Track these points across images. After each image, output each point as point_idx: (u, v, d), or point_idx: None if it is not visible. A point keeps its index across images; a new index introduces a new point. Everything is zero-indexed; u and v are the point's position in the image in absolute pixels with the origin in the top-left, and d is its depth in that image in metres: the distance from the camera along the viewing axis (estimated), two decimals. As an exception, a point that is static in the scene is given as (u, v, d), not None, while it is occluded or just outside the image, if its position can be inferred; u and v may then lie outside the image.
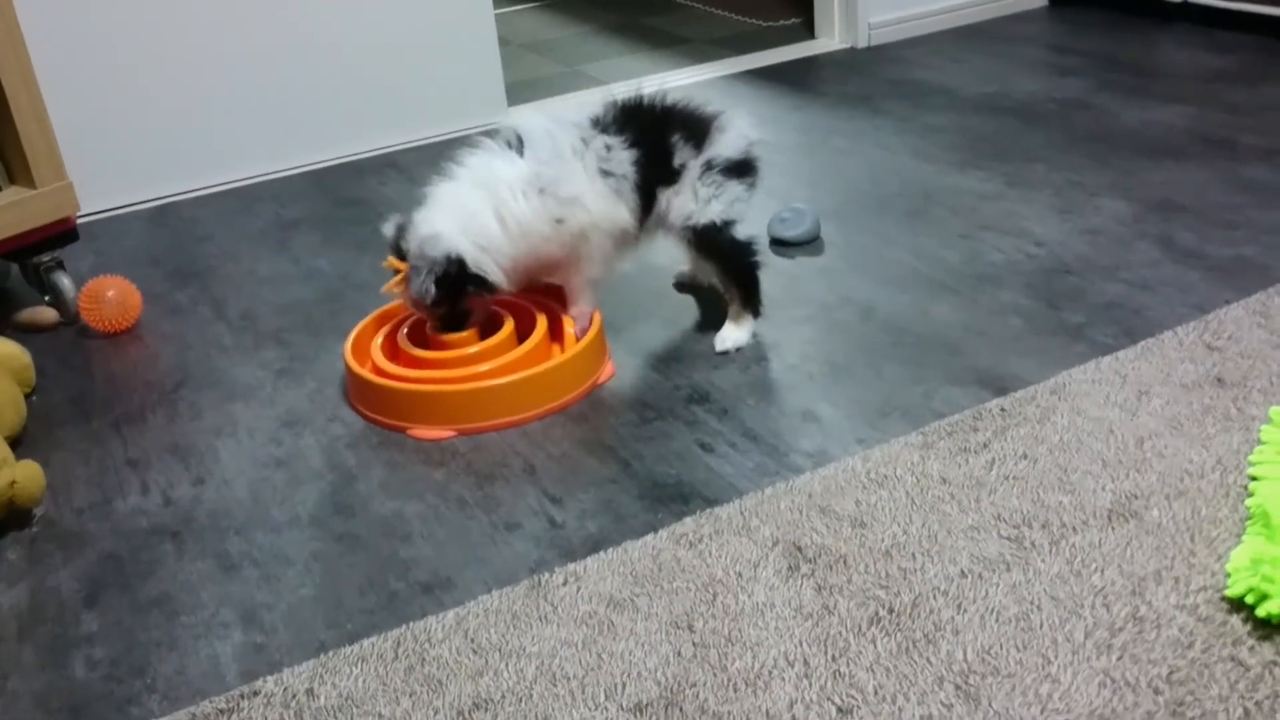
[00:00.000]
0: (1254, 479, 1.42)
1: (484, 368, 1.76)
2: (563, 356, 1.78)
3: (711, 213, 1.80)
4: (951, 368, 1.77)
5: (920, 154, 2.63)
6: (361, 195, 2.70)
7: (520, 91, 3.30)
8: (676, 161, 1.79)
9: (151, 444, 1.77)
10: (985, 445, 1.56)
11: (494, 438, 1.71)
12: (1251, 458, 1.46)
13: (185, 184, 2.80)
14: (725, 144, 1.82)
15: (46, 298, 2.19)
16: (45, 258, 2.16)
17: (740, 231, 1.84)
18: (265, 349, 2.03)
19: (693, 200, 1.80)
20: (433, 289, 1.71)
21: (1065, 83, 3.01)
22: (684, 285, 2.11)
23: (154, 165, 2.75)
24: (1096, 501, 1.43)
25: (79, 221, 2.25)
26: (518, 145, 1.77)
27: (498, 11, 3.09)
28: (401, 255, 1.76)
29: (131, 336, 2.12)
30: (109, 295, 2.10)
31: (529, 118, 1.81)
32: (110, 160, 2.69)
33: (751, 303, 1.89)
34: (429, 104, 2.99)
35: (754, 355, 1.87)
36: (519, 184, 1.73)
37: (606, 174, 1.75)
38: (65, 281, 2.17)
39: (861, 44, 3.48)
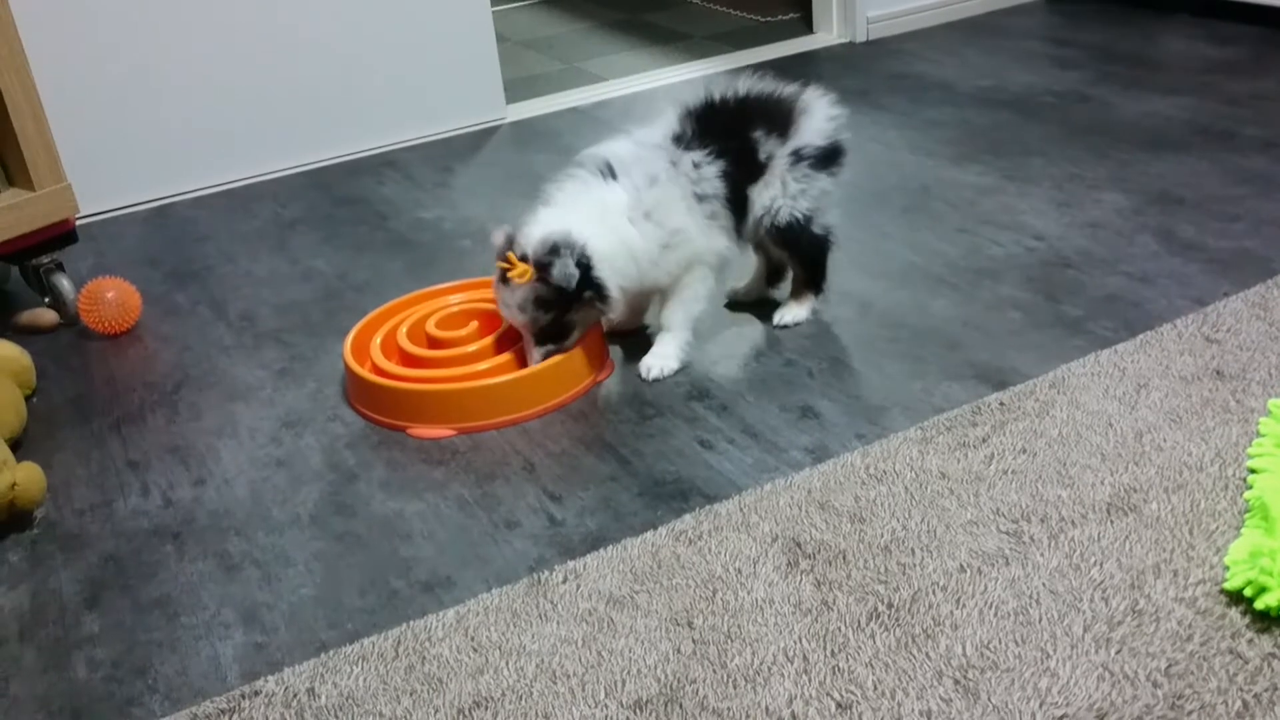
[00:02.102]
0: (1253, 471, 1.42)
1: (483, 366, 1.76)
2: (562, 355, 1.78)
3: (798, 208, 1.80)
4: (950, 362, 1.77)
5: (918, 148, 2.63)
6: (360, 194, 2.70)
7: (518, 89, 3.30)
8: (762, 155, 1.77)
9: (152, 445, 1.78)
10: (984, 440, 1.56)
11: (493, 436, 1.72)
12: (1250, 450, 1.46)
13: (183, 185, 2.80)
14: (812, 130, 1.80)
15: (46, 299, 2.19)
16: (45, 259, 2.16)
17: (820, 223, 1.84)
18: (265, 349, 2.03)
19: (781, 193, 1.79)
20: (577, 272, 1.66)
21: (1064, 75, 3.01)
22: (738, 303, 2.02)
23: (152, 166, 2.75)
24: (1095, 495, 1.43)
25: (78, 223, 2.25)
26: (609, 172, 1.74)
27: (495, 9, 3.09)
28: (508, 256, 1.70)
29: (131, 338, 2.12)
30: (108, 296, 2.10)
31: (613, 144, 1.78)
32: (109, 162, 2.69)
33: (816, 283, 1.91)
34: (426, 102, 2.99)
35: (752, 351, 1.87)
36: (624, 210, 1.71)
37: (701, 198, 1.74)
38: (65, 283, 2.18)
39: (860, 38, 3.48)
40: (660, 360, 1.81)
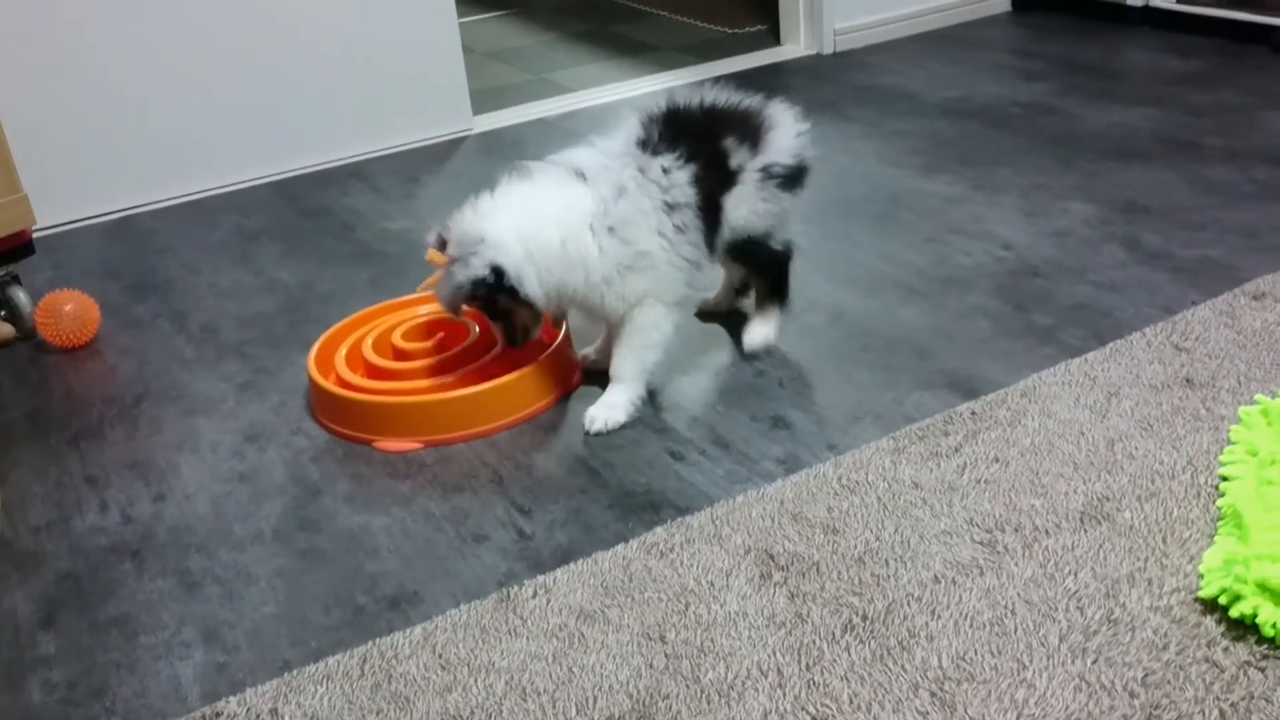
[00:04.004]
0: (1225, 479, 1.42)
1: (450, 378, 1.74)
2: (529, 366, 1.75)
3: (758, 227, 1.74)
4: (921, 371, 1.76)
5: (886, 159, 2.63)
6: (324, 205, 2.67)
7: (485, 100, 3.28)
8: (733, 164, 1.70)
9: (110, 460, 1.74)
10: (956, 449, 1.55)
11: (461, 449, 1.69)
12: (1222, 458, 1.46)
13: (144, 196, 2.76)
14: (781, 147, 1.73)
15: (2, 313, 2.15)
16: (1, 272, 2.12)
17: (778, 239, 1.78)
18: (227, 362, 2.00)
19: (748, 209, 1.72)
20: (467, 287, 1.61)
21: (1029, 87, 3.02)
22: (709, 317, 2.00)
23: (112, 177, 2.70)
24: (1068, 504, 1.42)
25: (36, 235, 2.21)
26: (582, 178, 1.66)
27: (462, 20, 3.07)
28: (444, 250, 1.65)
29: (90, 351, 2.08)
30: (66, 309, 2.06)
31: (581, 152, 1.70)
32: (67, 172, 2.65)
33: (780, 294, 1.85)
34: (393, 113, 2.97)
35: (723, 361, 1.86)
36: (588, 218, 1.63)
37: (671, 208, 1.65)
38: (22, 296, 2.13)
39: (827, 50, 3.49)
40: (606, 411, 1.70)
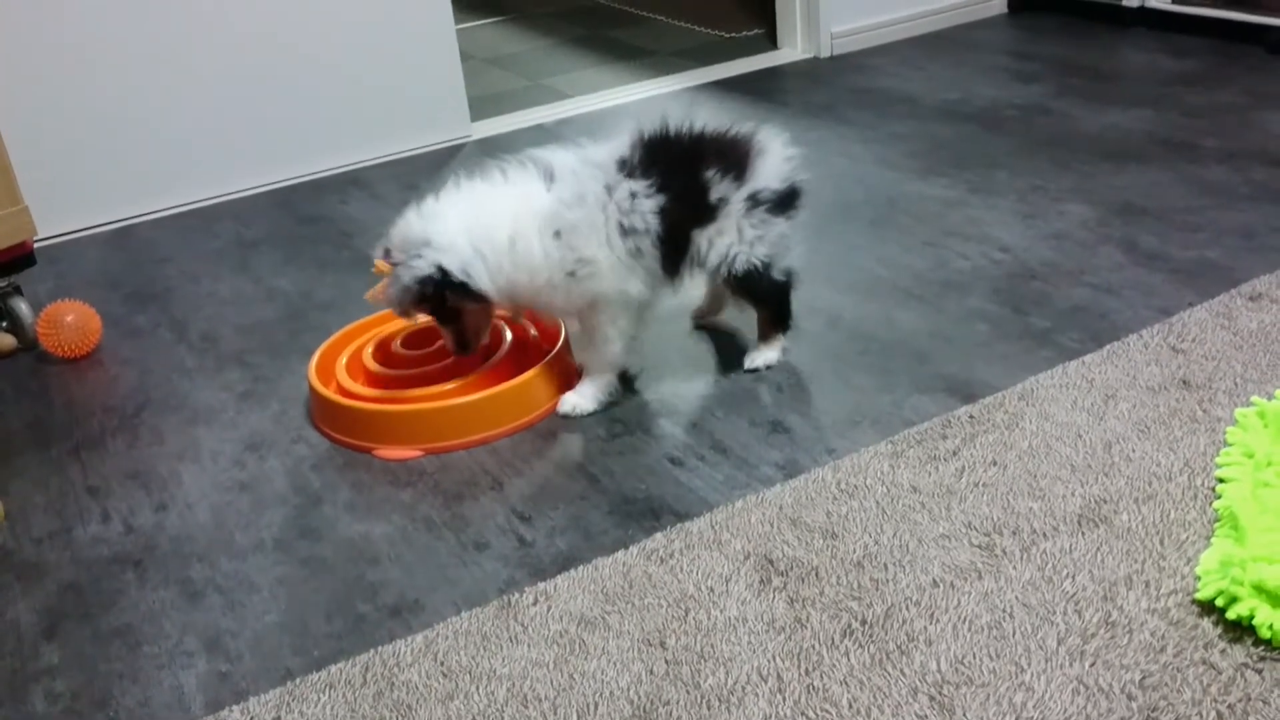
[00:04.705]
0: (1221, 481, 1.42)
1: (450, 386, 1.74)
2: (529, 373, 1.76)
3: (756, 255, 1.71)
4: (919, 375, 1.77)
5: (884, 162, 2.64)
6: (323, 213, 2.68)
7: (484, 106, 3.28)
8: (714, 196, 1.67)
9: (112, 470, 1.74)
10: (954, 453, 1.56)
11: (461, 456, 1.70)
12: (1218, 460, 1.47)
13: (144, 205, 2.76)
14: (769, 173, 1.70)
15: (4, 324, 2.16)
16: (2, 283, 2.13)
17: (779, 268, 1.75)
18: (227, 371, 2.01)
19: (736, 240, 1.70)
20: (415, 287, 1.63)
21: (1026, 89, 3.03)
22: (703, 326, 2.00)
23: (113, 187, 2.71)
24: (1066, 507, 1.43)
25: (37, 246, 2.21)
26: (548, 179, 1.66)
27: (459, 26, 3.07)
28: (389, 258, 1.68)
29: (91, 361, 2.09)
30: (68, 320, 2.07)
31: (559, 153, 1.69)
32: (68, 183, 2.65)
33: (782, 323, 1.84)
34: (391, 120, 2.97)
35: (721, 367, 1.86)
36: (538, 219, 1.64)
37: (626, 231, 1.64)
38: (23, 307, 2.14)
39: (824, 54, 3.49)
40: (576, 398, 1.76)
